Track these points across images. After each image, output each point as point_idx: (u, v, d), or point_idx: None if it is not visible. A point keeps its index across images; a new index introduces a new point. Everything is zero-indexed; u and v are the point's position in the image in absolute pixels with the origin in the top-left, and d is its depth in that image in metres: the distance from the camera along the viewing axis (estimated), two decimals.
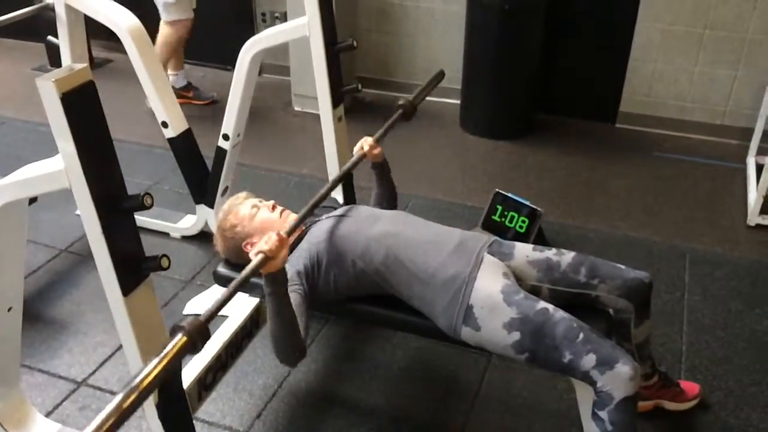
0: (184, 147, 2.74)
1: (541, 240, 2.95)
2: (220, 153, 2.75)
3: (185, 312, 2.60)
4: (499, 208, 3.01)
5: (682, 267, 2.85)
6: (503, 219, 3.00)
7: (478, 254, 1.88)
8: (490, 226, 3.03)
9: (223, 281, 2.14)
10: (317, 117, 2.64)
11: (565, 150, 3.80)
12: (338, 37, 2.45)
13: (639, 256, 2.90)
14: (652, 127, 3.95)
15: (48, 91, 1.31)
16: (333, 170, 2.68)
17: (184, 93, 4.10)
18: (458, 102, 4.08)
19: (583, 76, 4.02)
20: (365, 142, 2.18)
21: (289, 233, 1.69)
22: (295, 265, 1.88)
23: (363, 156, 2.15)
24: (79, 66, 1.37)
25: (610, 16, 3.82)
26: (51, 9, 2.68)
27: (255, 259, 1.56)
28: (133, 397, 1.16)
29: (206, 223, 2.95)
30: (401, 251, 1.87)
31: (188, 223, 3.02)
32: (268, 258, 1.58)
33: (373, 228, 1.93)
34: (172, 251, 2.94)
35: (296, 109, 4.22)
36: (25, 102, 4.08)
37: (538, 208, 2.89)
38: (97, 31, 3.01)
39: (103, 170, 1.42)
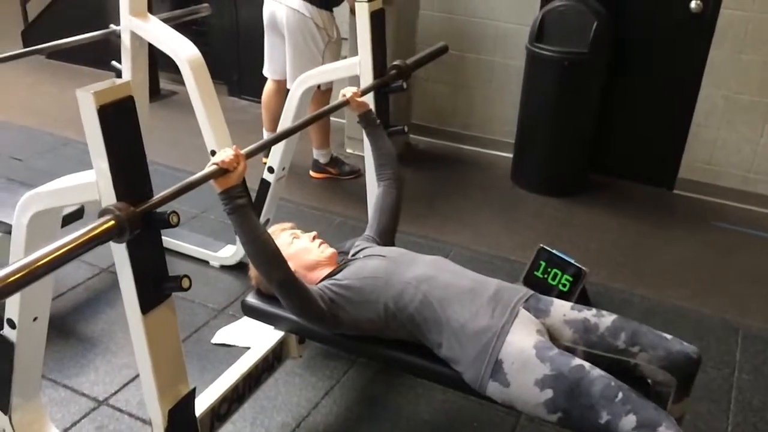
0: None
1: (584, 301, 2.84)
2: (264, 186, 2.76)
3: (213, 341, 2.58)
4: (543, 264, 2.91)
5: (734, 343, 2.69)
6: (546, 276, 2.90)
7: (513, 307, 1.81)
8: (531, 282, 2.93)
9: (251, 312, 2.12)
10: None
11: (616, 212, 3.68)
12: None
13: (687, 327, 2.75)
14: (712, 196, 3.80)
15: (86, 102, 1.33)
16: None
17: (329, 168, 3.97)
18: (511, 155, 4.03)
19: (641, 138, 3.92)
20: (348, 90, 2.19)
21: (249, 153, 1.72)
22: (321, 291, 1.86)
23: (345, 102, 2.17)
24: (120, 81, 1.39)
25: (673, 79, 3.73)
26: (117, 35, 2.78)
27: (208, 169, 1.60)
28: (40, 263, 1.22)
29: (245, 255, 2.95)
30: (435, 297, 1.82)
31: (228, 252, 3.03)
32: (222, 170, 1.61)
33: (409, 271, 1.89)
34: (210, 279, 2.96)
35: (348, 151, 4.25)
36: None
37: (584, 268, 2.79)
38: (166, 64, 3.10)
39: (134, 185, 1.42)
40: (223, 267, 3.04)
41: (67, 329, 2.63)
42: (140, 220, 1.38)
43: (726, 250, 3.37)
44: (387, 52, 2.45)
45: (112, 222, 1.33)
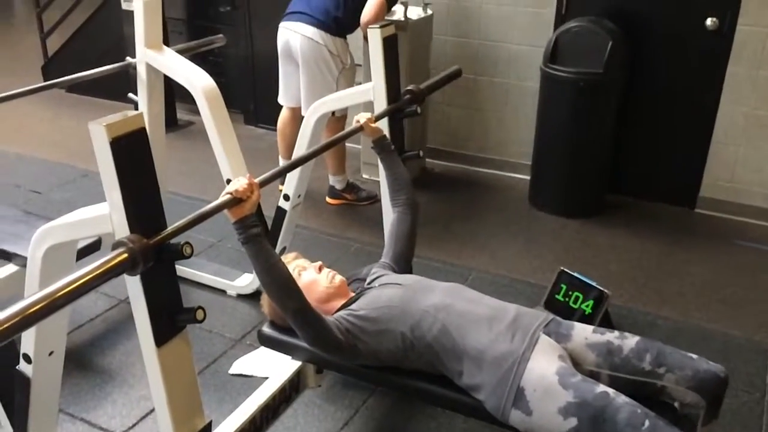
0: None
1: (606, 324, 2.78)
2: (280, 213, 2.76)
3: (231, 372, 2.56)
4: (564, 287, 2.86)
5: (762, 365, 2.61)
6: (567, 299, 2.85)
7: (534, 333, 1.77)
8: (553, 305, 2.88)
9: (268, 342, 2.10)
10: None
11: (637, 233, 3.62)
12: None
13: (714, 350, 2.68)
14: (735, 215, 3.73)
15: (99, 134, 1.33)
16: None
17: (345, 194, 3.95)
18: (528, 177, 4.00)
19: (660, 158, 3.87)
20: (362, 116, 2.17)
21: (263, 182, 1.70)
22: (338, 322, 1.83)
23: (360, 128, 2.16)
24: (133, 112, 1.39)
25: (691, 97, 3.69)
26: (134, 67, 2.80)
27: (222, 199, 1.58)
28: (54, 297, 1.21)
29: None
30: (453, 325, 1.79)
31: (245, 281, 3.02)
32: (236, 200, 1.59)
33: (426, 299, 1.86)
34: (227, 309, 2.95)
35: (364, 176, 4.24)
36: None
37: (606, 290, 2.73)
38: (183, 95, 3.13)
39: (147, 217, 1.41)
40: (240, 296, 3.03)
41: (84, 362, 2.62)
42: (153, 252, 1.37)
43: (751, 269, 3.30)
44: (401, 77, 2.44)
45: (125, 255, 1.32)
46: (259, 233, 1.65)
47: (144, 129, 1.39)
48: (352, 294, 2.00)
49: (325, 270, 2.03)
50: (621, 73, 3.59)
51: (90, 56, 5.26)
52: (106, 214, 1.41)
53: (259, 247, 1.66)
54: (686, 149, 3.79)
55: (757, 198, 3.69)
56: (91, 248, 2.31)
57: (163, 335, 1.48)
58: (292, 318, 1.75)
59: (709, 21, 3.48)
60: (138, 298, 1.44)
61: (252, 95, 5.04)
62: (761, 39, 3.41)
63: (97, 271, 1.29)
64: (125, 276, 1.41)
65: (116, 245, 1.35)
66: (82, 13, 5.73)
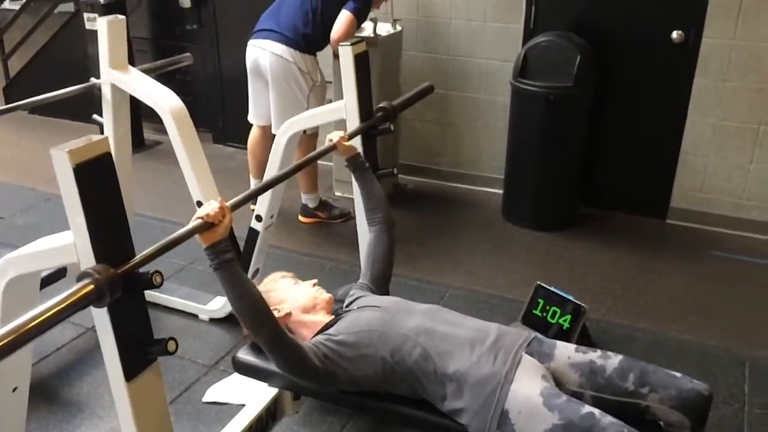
0: None
1: (585, 339, 2.77)
2: (253, 234, 2.70)
3: (205, 399, 2.48)
4: (541, 302, 2.85)
5: (741, 375, 2.61)
6: (545, 314, 2.83)
7: (516, 353, 1.74)
8: (530, 321, 2.86)
9: (242, 369, 2.04)
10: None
11: (611, 244, 3.63)
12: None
13: (692, 362, 2.68)
14: (707, 225, 3.76)
15: (61, 161, 1.27)
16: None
17: (318, 212, 3.89)
18: (501, 192, 3.99)
19: (630, 169, 3.89)
20: (335, 135, 2.14)
21: (234, 205, 1.66)
22: (315, 348, 1.79)
23: (333, 147, 2.13)
24: (97, 137, 1.33)
25: (659, 108, 3.73)
26: (98, 88, 2.73)
27: (192, 224, 1.53)
28: (16, 334, 1.14)
29: None
30: (434, 349, 1.75)
31: (217, 305, 2.94)
32: (207, 224, 1.54)
33: (405, 322, 1.82)
34: (199, 334, 2.87)
35: (337, 194, 4.19)
36: None
37: (583, 305, 2.72)
38: (149, 114, 3.06)
39: (114, 248, 1.35)
40: (212, 320, 2.95)
41: (51, 394, 2.52)
42: (121, 283, 1.31)
43: (725, 279, 3.32)
44: (373, 95, 2.41)
45: (91, 286, 1.26)
46: (231, 258, 1.60)
47: (109, 154, 1.33)
48: (332, 316, 1.96)
49: (317, 287, 2.03)
50: (590, 87, 3.62)
51: (53, 76, 5.16)
52: (70, 243, 1.35)
53: (231, 273, 1.61)
54: (656, 160, 3.82)
55: (726, 207, 3.73)
56: (57, 275, 2.23)
57: (132, 369, 1.42)
58: (265, 345, 1.70)
59: (674, 34, 3.52)
60: (105, 331, 1.38)
61: (220, 114, 4.98)
62: (726, 51, 3.46)
63: (62, 305, 1.22)
64: (92, 308, 1.34)
65: (81, 276, 1.29)
66: (43, 33, 5.61)
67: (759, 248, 3.58)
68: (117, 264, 1.32)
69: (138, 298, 1.41)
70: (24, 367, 1.70)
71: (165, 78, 4.31)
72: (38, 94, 2.69)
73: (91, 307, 1.33)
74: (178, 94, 2.60)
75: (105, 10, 4.38)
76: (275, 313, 1.91)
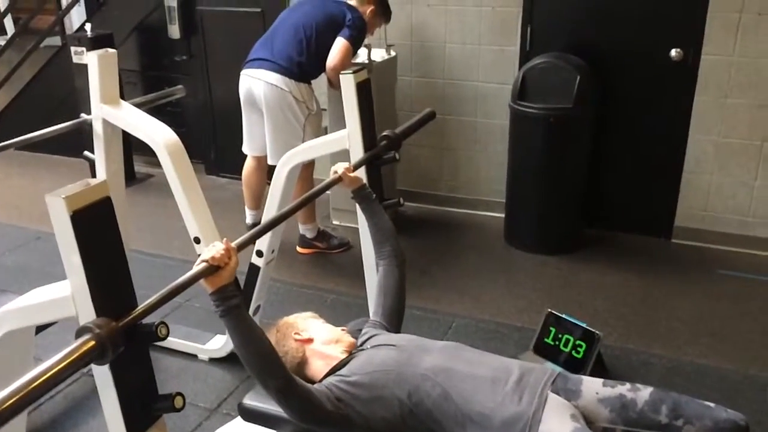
0: None
1: (600, 367, 2.68)
2: (253, 270, 2.60)
3: None
4: (553, 330, 2.77)
5: (763, 400, 2.53)
6: (557, 342, 2.75)
7: (542, 392, 1.64)
8: (542, 350, 2.78)
9: (250, 416, 1.93)
10: (356, 230, 2.50)
11: (618, 266, 3.56)
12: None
13: (712, 387, 2.60)
14: (713, 243, 3.70)
15: (58, 208, 1.18)
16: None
17: (317, 243, 3.80)
18: (502, 215, 3.92)
19: (633, 189, 3.84)
20: (339, 166, 2.06)
21: (240, 246, 1.56)
22: (328, 390, 1.70)
23: (338, 179, 2.04)
24: (95, 181, 1.24)
25: (660, 127, 3.68)
26: (89, 124, 2.64)
27: (197, 267, 1.43)
28: (13, 399, 1.05)
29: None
30: (454, 389, 1.65)
31: (217, 344, 2.84)
32: (212, 267, 1.45)
33: (423, 362, 1.72)
34: (199, 375, 2.77)
35: (335, 222, 4.11)
36: None
37: (596, 331, 2.64)
38: (139, 147, 2.98)
39: (115, 299, 1.26)
40: (212, 360, 2.84)
41: None
42: (123, 337, 1.21)
43: (734, 298, 3.25)
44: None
45: (92, 342, 1.16)
46: (239, 304, 1.51)
47: (108, 199, 1.24)
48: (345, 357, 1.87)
49: (345, 332, 1.95)
50: (590, 107, 3.57)
51: (41, 112, 5.08)
52: (68, 296, 1.25)
53: (239, 320, 1.51)
54: (659, 180, 3.76)
55: (732, 225, 3.67)
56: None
57: (136, 427, 1.32)
58: (275, 395, 1.60)
59: (673, 52, 3.49)
60: (107, 388, 1.28)
61: (213, 144, 4.90)
62: (726, 68, 3.43)
63: (61, 365, 1.13)
64: (93, 366, 1.25)
65: (81, 331, 1.19)
66: (29, 68, 5.53)
67: (766, 266, 3.52)
68: (119, 316, 1.23)
69: (142, 352, 1.32)
70: (20, 421, 1.59)
71: (156, 110, 4.23)
72: (26, 130, 2.61)
73: (93, 368, 1.24)
74: (169, 126, 2.52)
75: (93, 44, 4.31)
76: (296, 337, 1.87)
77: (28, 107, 5.42)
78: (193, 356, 2.86)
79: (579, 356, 2.66)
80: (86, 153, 2.77)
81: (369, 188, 2.11)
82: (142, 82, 5.06)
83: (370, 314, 2.04)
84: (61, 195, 1.18)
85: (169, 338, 2.84)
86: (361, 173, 2.23)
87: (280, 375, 1.58)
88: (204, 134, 4.90)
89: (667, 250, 3.75)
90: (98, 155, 2.70)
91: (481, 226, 4.07)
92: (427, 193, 4.32)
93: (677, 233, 3.79)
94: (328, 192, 4.12)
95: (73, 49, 4.47)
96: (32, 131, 2.59)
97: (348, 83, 2.20)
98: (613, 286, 3.38)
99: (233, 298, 1.50)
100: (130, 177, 4.85)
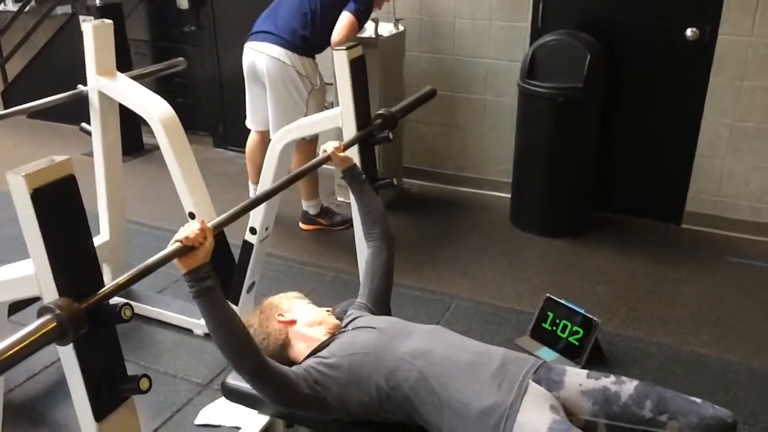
0: None
1: (598, 354, 2.64)
2: (247, 247, 2.58)
3: (197, 422, 2.37)
4: (551, 315, 2.73)
5: (763, 393, 2.47)
6: (554, 328, 2.71)
7: (522, 382, 1.61)
8: (539, 335, 2.75)
9: (232, 395, 1.92)
10: None
11: (624, 251, 3.48)
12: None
13: (711, 378, 2.54)
14: (723, 230, 3.61)
15: (17, 186, 1.15)
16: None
17: (319, 219, 3.76)
18: (509, 196, 3.85)
19: (644, 173, 3.74)
20: (329, 145, 2.02)
21: (217, 226, 1.53)
22: (306, 372, 1.69)
23: (327, 158, 2.01)
24: (60, 158, 1.21)
25: (673, 109, 3.58)
26: (85, 95, 2.62)
27: (170, 247, 1.41)
28: None
29: None
30: (432, 374, 1.62)
31: None
32: (187, 248, 1.43)
33: (402, 345, 1.70)
34: (192, 350, 2.77)
35: (339, 199, 4.07)
36: None
37: (594, 318, 2.60)
38: None
39: (79, 279, 1.23)
40: (207, 335, 2.82)
41: (38, 416, 2.42)
42: (86, 318, 1.19)
43: (743, 287, 3.17)
44: (375, 98, 2.29)
45: (53, 323, 1.14)
46: (212, 286, 1.48)
47: (72, 177, 1.21)
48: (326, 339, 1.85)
49: (330, 314, 1.93)
50: (601, 87, 3.47)
51: (53, 79, 5.05)
52: (31, 275, 1.23)
53: (212, 302, 1.49)
54: (670, 163, 3.67)
55: (744, 212, 3.58)
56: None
57: (102, 408, 1.30)
58: (248, 379, 1.59)
59: (689, 31, 3.37)
60: (72, 369, 1.26)
61: (221, 117, 4.87)
62: (743, 48, 3.31)
63: (21, 344, 1.11)
64: (57, 345, 1.23)
65: (42, 311, 1.17)
66: (43, 35, 5.52)
67: None
68: (82, 297, 1.20)
69: (107, 334, 1.29)
70: None
71: (162, 81, 4.23)
72: (38, 97, 2.61)
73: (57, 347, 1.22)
74: (176, 98, 2.50)
75: (100, 13, 4.29)
76: (280, 318, 1.85)
77: (41, 75, 5.42)
78: (188, 331, 2.86)
79: (576, 343, 2.62)
80: (83, 125, 2.75)
81: (359, 169, 2.06)
82: (151, 52, 5.02)
83: (358, 296, 2.01)
84: (22, 173, 1.15)
85: (164, 312, 2.89)
86: (354, 152, 2.19)
87: (254, 358, 1.56)
88: (212, 107, 4.87)
89: (676, 236, 3.67)
90: (95, 127, 2.68)
91: (486, 206, 4.01)
92: (433, 171, 4.26)
93: (687, 218, 3.70)
94: (332, 168, 4.08)
95: (81, 17, 4.47)
96: (46, 98, 2.58)
97: (341, 60, 2.15)
98: (618, 271, 3.31)
99: (206, 280, 1.47)
100: (138, 148, 4.86)
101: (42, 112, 5.04)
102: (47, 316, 1.15)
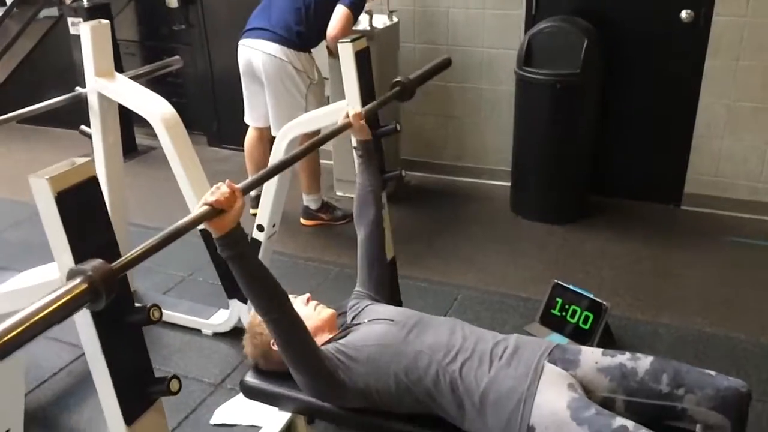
0: None
1: (608, 338, 2.65)
2: (255, 245, 2.56)
3: (212, 422, 2.36)
4: (559, 301, 2.73)
5: None
6: (564, 313, 2.71)
7: (537, 364, 1.62)
8: (549, 321, 2.75)
9: (252, 393, 1.92)
10: None
11: (626, 235, 3.50)
12: (381, 120, 2.27)
13: (721, 356, 2.56)
14: (722, 210, 3.63)
15: (41, 189, 1.13)
16: None
17: (321, 214, 3.75)
18: (508, 184, 3.85)
19: (642, 155, 3.76)
20: (351, 109, 1.94)
21: (245, 189, 1.47)
22: (327, 354, 1.71)
23: (348, 125, 1.92)
24: (81, 160, 1.19)
25: (669, 91, 3.59)
26: (84, 98, 2.59)
27: (199, 210, 1.35)
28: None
29: (239, 319, 2.74)
30: (451, 366, 1.63)
31: (221, 318, 2.81)
32: (216, 211, 1.37)
33: (421, 338, 1.70)
34: (203, 350, 2.75)
35: (338, 193, 4.06)
36: None
37: (603, 302, 2.60)
38: (140, 119, 2.93)
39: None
40: (216, 335, 2.82)
41: (49, 422, 2.40)
42: (117, 282, 1.12)
43: (745, 266, 3.20)
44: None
45: (85, 285, 1.06)
46: (242, 252, 1.47)
47: (95, 178, 1.20)
48: (338, 331, 1.84)
49: (313, 302, 1.89)
50: (598, 72, 3.47)
51: (41, 84, 5.02)
52: (56, 280, 1.21)
53: (246, 263, 1.49)
54: (668, 145, 3.68)
55: (742, 191, 3.60)
56: None
57: (132, 412, 1.29)
58: (277, 334, 1.61)
59: (684, 13, 3.38)
60: (101, 373, 1.25)
61: (214, 115, 4.83)
62: (738, 29, 3.32)
63: (50, 308, 1.02)
64: (85, 350, 1.22)
65: (72, 274, 1.09)
66: (29, 39, 5.44)
67: None
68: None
69: (136, 336, 1.28)
70: (18, 407, 1.57)
71: (155, 81, 4.18)
72: (26, 102, 2.56)
73: (85, 350, 1.20)
74: (169, 97, 2.47)
75: (89, 14, 4.24)
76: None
77: (28, 79, 5.35)
78: (197, 331, 2.84)
79: (586, 327, 2.63)
80: (83, 127, 2.72)
81: (373, 146, 2.03)
82: (140, 52, 4.98)
83: (357, 284, 2.01)
84: (45, 176, 1.13)
85: (172, 313, 2.87)
86: None
87: (287, 314, 1.59)
88: (205, 105, 4.83)
89: (676, 217, 3.69)
90: (95, 129, 2.65)
91: (486, 196, 4.01)
92: (431, 162, 4.25)
93: (687, 200, 3.72)
94: (331, 162, 4.07)
95: (69, 20, 4.42)
96: (34, 104, 2.55)
97: (346, 52, 2.13)
98: (621, 254, 3.33)
99: (237, 245, 1.45)
100: (132, 149, 4.81)
101: (32, 117, 4.97)
102: (79, 278, 1.07)
